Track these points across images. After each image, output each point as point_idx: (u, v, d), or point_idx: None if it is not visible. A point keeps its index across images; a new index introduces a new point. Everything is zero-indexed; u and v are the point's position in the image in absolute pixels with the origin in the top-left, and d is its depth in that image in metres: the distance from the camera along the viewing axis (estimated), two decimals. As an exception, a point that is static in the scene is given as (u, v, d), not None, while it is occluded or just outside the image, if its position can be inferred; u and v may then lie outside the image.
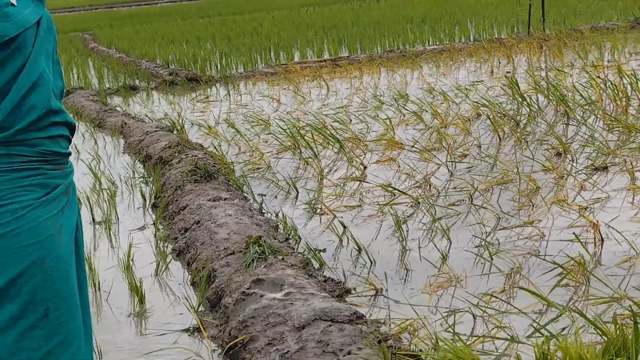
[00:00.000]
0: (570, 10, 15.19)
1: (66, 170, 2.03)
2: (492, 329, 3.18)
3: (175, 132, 7.55)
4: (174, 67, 13.15)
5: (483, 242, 4.17)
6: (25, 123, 1.88)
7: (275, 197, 5.47)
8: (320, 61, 12.35)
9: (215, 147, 6.96)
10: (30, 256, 1.89)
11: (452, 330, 3.18)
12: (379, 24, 16.18)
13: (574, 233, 4.15)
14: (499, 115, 6.87)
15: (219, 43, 15.73)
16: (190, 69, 12.76)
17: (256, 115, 8.55)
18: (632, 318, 2.64)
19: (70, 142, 2.07)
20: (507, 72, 9.40)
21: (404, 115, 7.58)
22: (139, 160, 7.09)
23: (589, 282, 3.54)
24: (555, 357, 2.34)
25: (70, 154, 2.06)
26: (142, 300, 3.95)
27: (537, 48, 11.27)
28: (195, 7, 42.70)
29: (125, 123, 8.55)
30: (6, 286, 1.86)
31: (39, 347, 1.94)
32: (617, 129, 6.18)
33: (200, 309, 3.79)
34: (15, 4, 1.87)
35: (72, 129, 2.05)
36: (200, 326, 3.62)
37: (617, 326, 2.51)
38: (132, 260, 4.41)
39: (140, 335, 3.65)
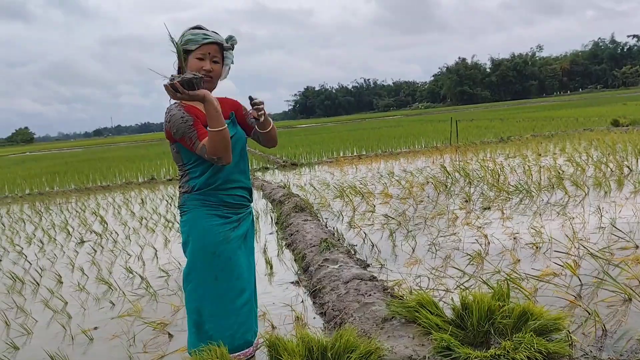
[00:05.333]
0: (469, 133, 15.03)
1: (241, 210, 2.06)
2: (437, 285, 3.12)
3: (285, 188, 7.60)
4: (285, 158, 13.23)
5: (432, 242, 4.10)
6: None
7: (333, 219, 5.46)
8: (352, 156, 12.36)
9: (304, 196, 6.95)
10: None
11: (418, 285, 3.13)
12: (379, 139, 16.18)
13: (475, 239, 4.07)
14: (437, 182, 6.78)
15: (305, 147, 15.86)
16: (292, 159, 12.85)
17: (323, 180, 8.58)
18: (504, 281, 2.56)
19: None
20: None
21: (392, 182, 7.53)
22: (269, 201, 7.16)
23: (483, 263, 3.45)
24: (468, 299, 2.27)
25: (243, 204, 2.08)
26: (271, 267, 3.97)
27: (455, 150, 11.12)
28: (301, 129, 40.99)
29: (262, 184, 8.65)
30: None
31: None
32: (494, 189, 6.04)
33: (298, 273, 3.79)
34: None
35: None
36: (299, 281, 3.62)
37: (497, 284, 2.44)
38: (266, 248, 4.44)
39: (270, 284, 3.65)
